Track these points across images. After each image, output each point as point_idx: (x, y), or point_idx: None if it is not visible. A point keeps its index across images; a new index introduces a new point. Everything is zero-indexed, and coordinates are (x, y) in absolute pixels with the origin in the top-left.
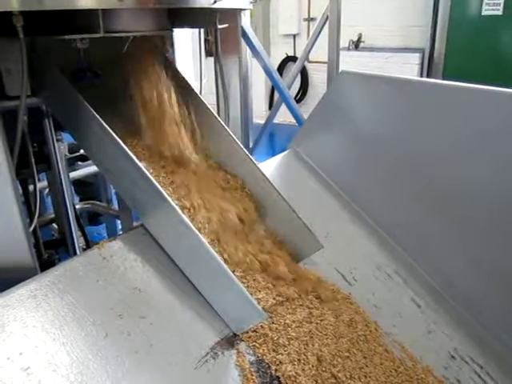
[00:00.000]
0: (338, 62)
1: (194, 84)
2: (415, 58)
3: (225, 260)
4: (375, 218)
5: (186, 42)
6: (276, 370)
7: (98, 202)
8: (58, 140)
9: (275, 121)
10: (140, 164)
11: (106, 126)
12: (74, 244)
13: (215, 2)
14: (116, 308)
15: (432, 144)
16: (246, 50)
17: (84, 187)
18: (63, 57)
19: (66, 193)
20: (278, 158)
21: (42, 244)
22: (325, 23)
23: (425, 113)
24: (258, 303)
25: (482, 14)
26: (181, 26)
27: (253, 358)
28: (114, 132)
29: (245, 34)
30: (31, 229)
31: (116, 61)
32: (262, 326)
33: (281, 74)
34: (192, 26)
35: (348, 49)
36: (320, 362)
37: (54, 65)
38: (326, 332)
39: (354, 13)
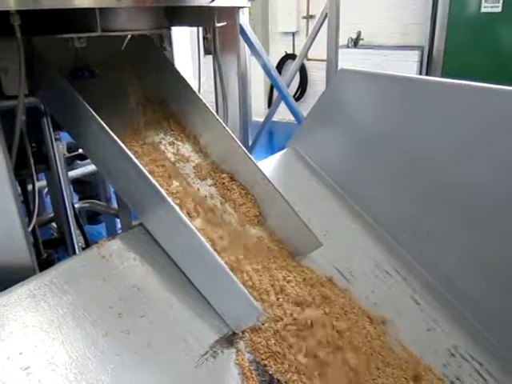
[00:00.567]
0: (336, 59)
1: (193, 83)
2: (414, 55)
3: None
4: (374, 215)
5: (184, 41)
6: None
7: (97, 201)
8: (56, 139)
9: (274, 119)
10: (139, 163)
11: (105, 125)
12: (73, 243)
13: (213, 0)
14: (115, 307)
15: (431, 141)
16: (245, 48)
17: (83, 186)
18: (61, 56)
19: (64, 192)
20: (277, 156)
21: (41, 243)
22: (324, 21)
23: (424, 110)
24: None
25: (481, 10)
26: (179, 24)
27: (252, 357)
28: (113, 131)
29: (243, 32)
30: (30, 228)
31: (114, 60)
32: (261, 326)
33: (280, 72)
34: (190, 25)
35: (347, 46)
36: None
37: (52, 64)
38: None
39: (353, 10)
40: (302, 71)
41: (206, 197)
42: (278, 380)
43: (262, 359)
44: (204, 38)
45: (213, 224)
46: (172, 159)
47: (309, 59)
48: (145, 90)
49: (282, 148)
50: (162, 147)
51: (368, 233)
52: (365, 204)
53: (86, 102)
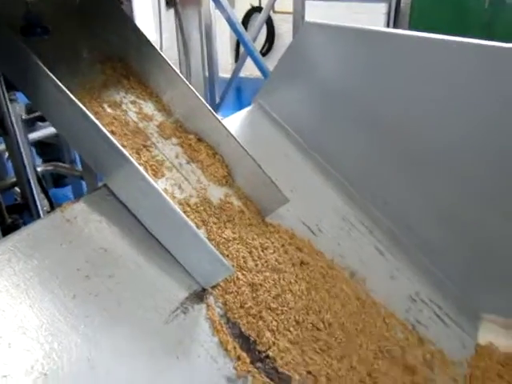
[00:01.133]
0: (303, 12)
1: (154, 38)
2: (382, 7)
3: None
4: (340, 169)
5: None
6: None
7: (61, 164)
8: (11, 100)
9: (242, 75)
10: (99, 124)
11: (61, 85)
12: (37, 207)
13: None
14: (82, 269)
15: (398, 95)
16: (209, 1)
17: (46, 148)
18: (10, 12)
19: (24, 155)
20: (243, 112)
21: (5, 209)
22: None
23: (392, 65)
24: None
25: None
26: None
27: (222, 311)
28: (70, 91)
29: None
30: None
31: (68, 15)
32: (229, 280)
33: (246, 26)
34: None
35: None
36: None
37: (1, 20)
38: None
39: None
40: (269, 25)
41: (171, 156)
42: (249, 334)
43: (233, 314)
44: None
45: (178, 184)
46: (134, 118)
47: (276, 12)
48: (103, 48)
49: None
50: (124, 106)
51: (334, 187)
52: (331, 159)
53: (40, 61)
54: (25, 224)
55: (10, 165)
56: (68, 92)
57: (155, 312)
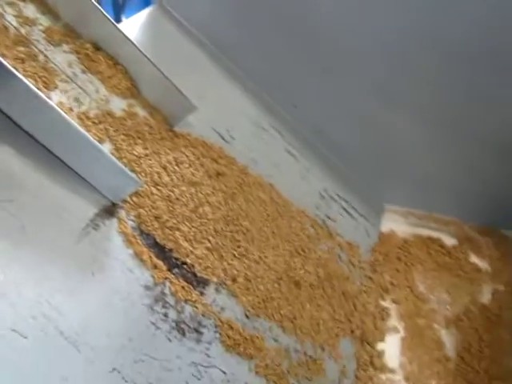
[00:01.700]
0: None
1: None
2: None
3: None
4: (250, 74)
5: None
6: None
7: None
8: None
9: None
10: None
11: None
12: None
13: None
14: None
15: None
16: None
17: None
18: None
19: None
20: (142, 15)
21: None
22: None
23: None
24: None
25: None
26: None
27: (135, 224)
28: None
29: None
30: None
31: None
32: (137, 191)
33: None
34: None
35: None
36: (198, 214)
37: None
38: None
39: None
40: None
41: (63, 66)
42: (165, 244)
43: (147, 227)
44: None
45: (75, 96)
46: (14, 23)
47: None
48: None
49: None
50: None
51: (244, 92)
52: (242, 63)
53: None
54: None
55: None
56: None
57: (64, 232)
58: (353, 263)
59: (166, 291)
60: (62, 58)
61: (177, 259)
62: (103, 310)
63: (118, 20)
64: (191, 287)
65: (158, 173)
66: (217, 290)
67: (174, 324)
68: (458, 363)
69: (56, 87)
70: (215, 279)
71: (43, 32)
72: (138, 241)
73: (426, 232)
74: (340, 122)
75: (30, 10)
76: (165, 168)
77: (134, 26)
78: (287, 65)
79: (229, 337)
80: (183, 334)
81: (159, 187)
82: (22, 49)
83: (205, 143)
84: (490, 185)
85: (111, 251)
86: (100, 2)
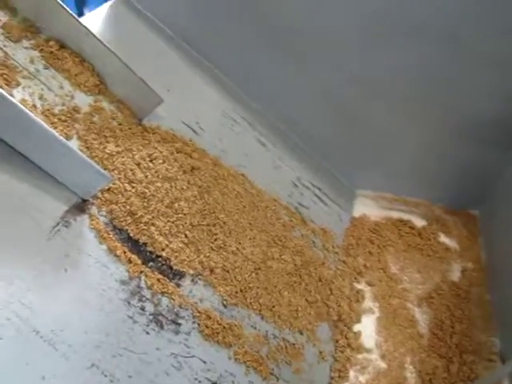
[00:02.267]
0: None
1: None
2: None
3: None
4: (219, 65)
5: None
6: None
7: None
8: None
9: None
10: None
11: None
12: None
13: None
14: None
15: None
16: None
17: None
18: None
19: None
20: (104, 8)
21: None
22: None
23: None
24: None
25: None
26: None
27: (107, 220)
28: None
29: None
30: None
31: None
32: (110, 188)
33: None
34: None
35: None
36: (174, 209)
37: None
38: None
39: None
40: None
41: (25, 62)
42: (138, 238)
43: (120, 222)
44: None
45: (38, 93)
46: None
47: None
48: None
49: None
50: None
51: (214, 83)
52: (209, 54)
53: None
54: None
55: None
56: None
57: (34, 230)
58: (327, 248)
59: (142, 285)
60: (22, 54)
61: (152, 253)
62: (79, 307)
63: (81, 14)
64: (167, 280)
65: (131, 170)
66: (193, 281)
67: (151, 317)
68: (431, 339)
69: (18, 84)
70: (192, 271)
71: (1, 28)
72: (112, 236)
73: (396, 215)
74: (310, 110)
75: None
76: (138, 165)
77: (96, 19)
78: (256, 55)
79: (207, 326)
80: (161, 326)
81: (134, 184)
82: None
83: (176, 137)
84: (456, 167)
85: (84, 248)
86: None
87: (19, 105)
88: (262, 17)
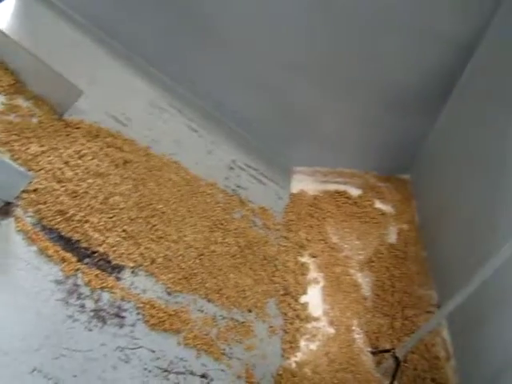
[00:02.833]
0: None
1: None
2: None
3: None
4: (142, 54)
5: None
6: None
7: None
8: None
9: None
10: None
11: None
12: None
13: None
14: None
15: None
16: None
17: None
18: None
19: None
20: (11, 2)
21: None
22: None
23: None
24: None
25: None
26: None
27: (35, 220)
28: None
29: None
30: None
31: None
32: (37, 188)
33: None
34: None
35: None
36: (109, 204)
37: None
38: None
39: None
40: None
41: None
42: (71, 236)
43: (49, 222)
44: None
45: None
46: None
47: None
48: None
49: None
50: None
51: (137, 73)
52: (131, 43)
53: None
54: None
55: None
56: None
57: None
58: (268, 227)
59: (79, 282)
60: None
61: (87, 249)
62: (12, 313)
63: None
64: (106, 274)
65: (59, 169)
66: (134, 272)
67: (92, 313)
68: (375, 300)
69: None
70: (132, 264)
71: None
72: (41, 237)
73: (333, 187)
74: (239, 94)
75: None
76: (67, 163)
77: (4, 14)
78: (179, 42)
79: (152, 316)
80: (104, 321)
81: (63, 183)
82: None
83: (102, 130)
84: (384, 136)
85: (12, 251)
86: None
87: None
88: (183, 4)
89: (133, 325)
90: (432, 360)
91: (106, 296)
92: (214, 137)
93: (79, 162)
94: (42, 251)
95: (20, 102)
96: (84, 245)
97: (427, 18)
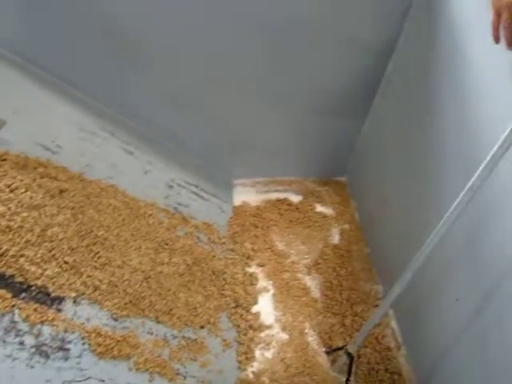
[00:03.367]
0: None
1: None
2: None
3: None
4: (67, 78)
5: None
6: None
7: None
8: None
9: None
10: None
11: None
12: None
13: None
14: None
15: None
16: None
17: None
18: None
19: None
20: None
21: None
22: None
23: None
24: None
25: None
26: None
27: None
28: None
29: None
30: None
31: None
32: None
33: None
34: None
35: None
36: (47, 237)
37: None
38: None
39: None
40: None
41: None
42: (3, 272)
43: None
44: None
45: None
46: None
47: None
48: None
49: None
50: None
51: (64, 99)
52: (55, 69)
53: None
54: None
55: None
56: None
57: None
58: (213, 241)
59: (17, 319)
60: None
61: (22, 283)
62: None
63: None
64: (45, 307)
65: None
66: (76, 302)
67: (33, 349)
68: (324, 301)
69: None
70: (73, 294)
71: None
72: None
73: (274, 196)
74: (171, 111)
75: None
76: None
77: None
78: (104, 65)
79: (99, 344)
80: (47, 356)
81: None
82: None
83: (30, 160)
84: (318, 141)
85: None
86: None
87: None
88: (107, 28)
89: (79, 356)
90: (384, 351)
91: (47, 330)
92: (149, 157)
93: (11, 195)
94: None
95: None
96: (19, 279)
97: (345, 27)
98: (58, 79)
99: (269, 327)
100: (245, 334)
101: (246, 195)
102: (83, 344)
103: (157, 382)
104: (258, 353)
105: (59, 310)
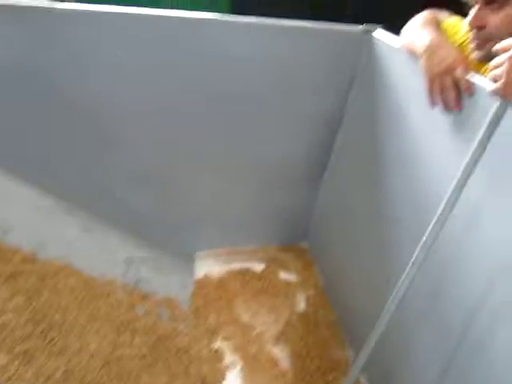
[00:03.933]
0: None
1: None
2: None
3: None
4: (20, 160)
5: None
6: None
7: None
8: None
9: None
10: None
11: None
12: None
13: None
14: None
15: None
16: None
17: None
18: None
19: None
20: None
21: None
22: None
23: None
24: None
25: None
26: None
27: None
28: None
29: None
30: None
31: None
32: None
33: None
34: None
35: None
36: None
37: None
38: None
39: None
40: None
41: None
42: None
43: None
44: None
45: None
46: None
47: None
48: None
49: None
50: None
51: (20, 179)
52: (8, 150)
53: None
54: None
55: None
56: None
57: None
58: (176, 317)
59: None
60: None
61: None
62: None
63: None
64: None
65: None
66: None
67: None
68: (294, 371)
69: None
70: None
71: None
72: None
73: (237, 266)
74: (127, 188)
75: None
76: None
77: None
78: (56, 142)
79: None
80: None
81: None
82: None
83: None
84: (278, 210)
85: None
86: None
87: None
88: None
89: None
90: None
91: None
92: (107, 235)
93: None
94: None
95: None
96: None
97: (295, 104)
98: (12, 162)
99: None
100: None
101: (208, 267)
102: None
103: None
104: None
105: None
